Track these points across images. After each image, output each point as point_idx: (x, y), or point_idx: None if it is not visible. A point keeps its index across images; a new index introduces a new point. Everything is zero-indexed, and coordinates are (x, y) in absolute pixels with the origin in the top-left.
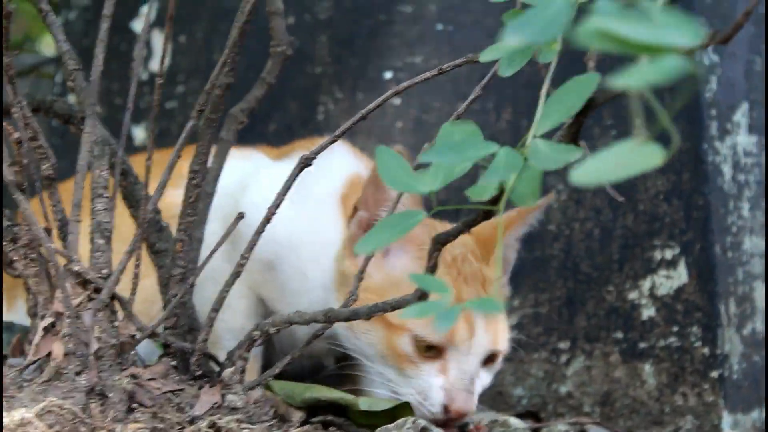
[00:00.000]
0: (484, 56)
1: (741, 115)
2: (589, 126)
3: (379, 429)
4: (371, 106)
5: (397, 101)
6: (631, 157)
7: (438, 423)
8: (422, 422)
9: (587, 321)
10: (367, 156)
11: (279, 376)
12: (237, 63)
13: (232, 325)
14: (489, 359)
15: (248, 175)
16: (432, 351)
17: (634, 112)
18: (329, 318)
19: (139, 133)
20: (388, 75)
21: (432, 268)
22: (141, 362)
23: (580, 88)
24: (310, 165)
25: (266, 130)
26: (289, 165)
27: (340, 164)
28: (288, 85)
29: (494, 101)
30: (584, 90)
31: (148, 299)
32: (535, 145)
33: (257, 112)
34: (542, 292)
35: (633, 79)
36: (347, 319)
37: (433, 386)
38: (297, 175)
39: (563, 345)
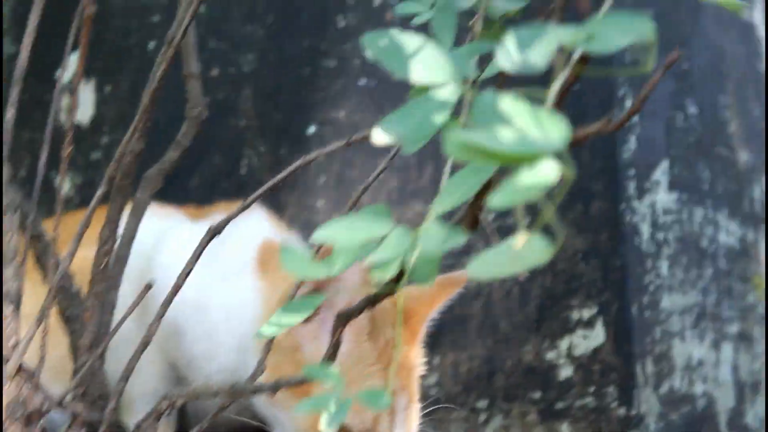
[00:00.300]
0: (377, 138)
1: (661, 173)
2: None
3: None
4: (279, 176)
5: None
6: (521, 253)
7: None
8: None
9: (506, 380)
10: (281, 222)
11: None
12: (149, 128)
13: (144, 390)
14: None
15: (164, 234)
16: None
17: (518, 214)
18: (235, 391)
19: (67, 184)
20: (312, 129)
21: (335, 346)
22: None
23: (479, 172)
24: (219, 233)
25: (189, 183)
26: (206, 226)
27: (254, 229)
28: (211, 138)
29: (416, 157)
30: (482, 174)
31: (58, 371)
32: (427, 228)
33: (180, 165)
34: (462, 350)
35: (506, 199)
36: (252, 393)
37: None
38: (207, 244)
39: (482, 404)
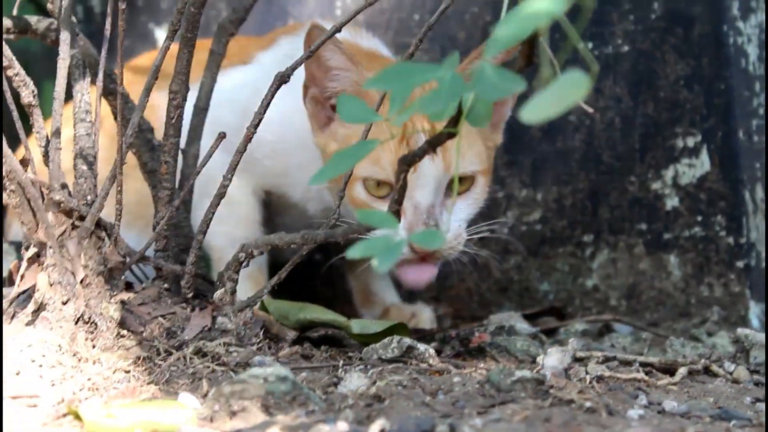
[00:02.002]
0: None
1: None
2: (606, 11)
3: (366, 348)
4: (346, 18)
5: None
6: (564, 92)
7: (415, 260)
8: (407, 341)
9: (611, 213)
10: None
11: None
12: None
13: (236, 235)
14: (460, 185)
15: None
16: (384, 189)
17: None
18: (306, 240)
19: (162, 35)
20: None
21: (401, 190)
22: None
23: (531, 17)
24: (287, 81)
25: (285, 24)
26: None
27: None
28: None
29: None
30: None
31: (142, 201)
32: (482, 70)
33: (275, 9)
34: (565, 184)
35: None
36: (323, 241)
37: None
38: (276, 91)
39: (587, 238)
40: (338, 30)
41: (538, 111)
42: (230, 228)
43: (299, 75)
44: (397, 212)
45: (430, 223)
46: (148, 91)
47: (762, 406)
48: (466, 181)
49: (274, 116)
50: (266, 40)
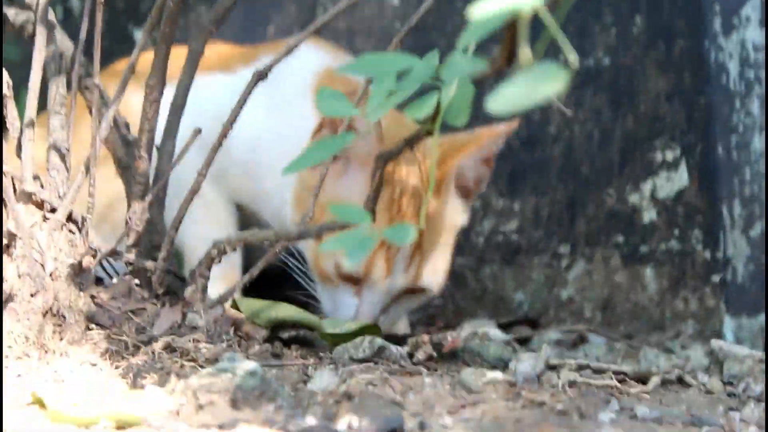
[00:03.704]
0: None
1: (751, 9)
2: (588, 23)
3: (337, 348)
4: (324, 17)
5: (395, 1)
6: (537, 84)
7: None
8: (379, 341)
9: (588, 225)
10: (340, 50)
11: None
12: None
13: (209, 236)
14: (415, 290)
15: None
16: (351, 277)
17: (519, 36)
18: (279, 237)
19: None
20: None
21: (377, 188)
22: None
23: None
24: (264, 78)
25: (265, 33)
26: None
27: (309, 61)
28: None
29: None
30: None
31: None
32: (453, 57)
33: (256, 14)
34: (543, 195)
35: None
36: (297, 238)
37: (348, 307)
38: (252, 88)
39: (564, 249)
40: (318, 30)
41: (506, 101)
42: (206, 228)
43: (282, 93)
44: (372, 210)
45: (376, 318)
46: (124, 84)
47: (735, 414)
48: (422, 290)
49: (251, 136)
50: (249, 54)
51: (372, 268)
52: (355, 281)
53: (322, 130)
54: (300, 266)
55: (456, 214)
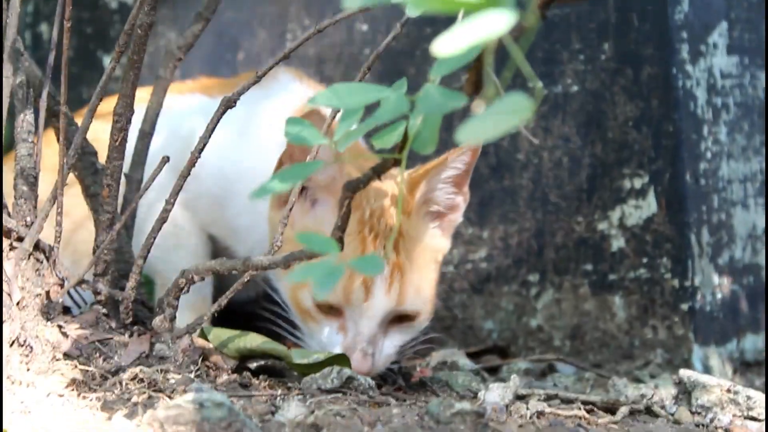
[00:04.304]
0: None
1: (718, 36)
2: (557, 50)
3: (305, 378)
4: (294, 44)
5: (364, 27)
6: (504, 113)
7: None
8: (348, 372)
9: (556, 252)
10: (313, 81)
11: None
12: (157, 1)
13: (183, 266)
14: (402, 319)
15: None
16: (332, 309)
17: (486, 72)
18: (247, 266)
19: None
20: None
21: (344, 217)
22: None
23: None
24: (233, 106)
25: (235, 59)
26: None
27: (287, 94)
28: (257, 12)
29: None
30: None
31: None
32: (427, 90)
33: (226, 41)
34: (511, 223)
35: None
36: (265, 268)
37: (334, 344)
38: (221, 116)
39: (533, 277)
40: (286, 57)
41: (474, 132)
42: (177, 256)
43: (258, 126)
44: (340, 239)
45: (368, 351)
46: (92, 113)
47: None
48: (409, 318)
49: (221, 170)
50: (230, 83)
51: (350, 293)
52: (336, 313)
53: (283, 166)
54: (283, 313)
55: (435, 238)
